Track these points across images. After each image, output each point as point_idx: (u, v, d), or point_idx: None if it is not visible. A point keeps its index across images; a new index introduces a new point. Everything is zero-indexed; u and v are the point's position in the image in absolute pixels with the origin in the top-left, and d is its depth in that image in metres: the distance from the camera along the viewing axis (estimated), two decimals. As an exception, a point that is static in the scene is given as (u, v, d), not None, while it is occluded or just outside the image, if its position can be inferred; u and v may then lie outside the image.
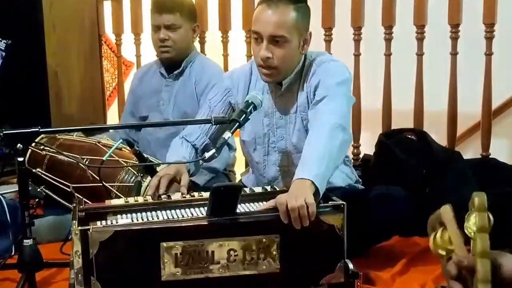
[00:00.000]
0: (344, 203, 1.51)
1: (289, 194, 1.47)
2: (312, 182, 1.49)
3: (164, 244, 1.41)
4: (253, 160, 1.97)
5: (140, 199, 1.66)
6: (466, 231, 0.86)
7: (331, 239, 1.48)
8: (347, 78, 1.81)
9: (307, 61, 1.84)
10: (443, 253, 0.90)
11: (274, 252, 1.45)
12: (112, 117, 3.42)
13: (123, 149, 2.16)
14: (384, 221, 1.83)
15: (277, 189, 1.72)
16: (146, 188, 1.99)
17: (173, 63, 2.45)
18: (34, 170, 2.21)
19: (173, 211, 1.57)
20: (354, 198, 1.75)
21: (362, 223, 1.72)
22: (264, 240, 1.44)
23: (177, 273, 1.42)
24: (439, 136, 2.60)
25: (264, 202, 1.56)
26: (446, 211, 0.90)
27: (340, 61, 1.87)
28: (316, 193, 1.50)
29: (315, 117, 1.72)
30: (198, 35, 2.53)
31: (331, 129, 1.63)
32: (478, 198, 0.83)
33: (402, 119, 2.65)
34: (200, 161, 1.85)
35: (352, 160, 2.73)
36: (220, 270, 1.43)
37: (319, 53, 1.90)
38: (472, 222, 0.83)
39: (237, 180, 2.36)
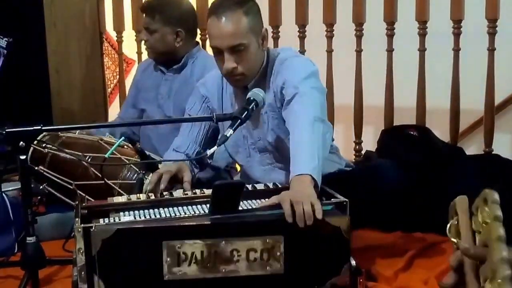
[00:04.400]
0: (347, 200, 1.50)
1: (293, 194, 1.45)
2: (311, 177, 1.50)
3: (166, 243, 1.39)
4: (238, 163, 1.99)
5: (143, 197, 1.66)
6: (474, 224, 0.85)
7: (336, 241, 1.44)
8: (313, 71, 1.80)
9: (270, 58, 1.84)
10: (456, 240, 0.90)
11: (278, 253, 1.41)
12: (114, 114, 3.42)
13: (125, 146, 2.16)
14: (373, 191, 1.82)
15: (279, 185, 1.72)
16: (148, 185, 1.99)
17: (163, 63, 2.44)
18: (36, 168, 2.21)
19: (175, 208, 1.56)
20: (344, 178, 1.77)
21: (354, 199, 1.69)
22: (268, 240, 1.41)
23: (179, 272, 1.41)
24: (442, 132, 2.59)
25: (267, 199, 1.56)
26: (460, 201, 0.89)
27: (302, 55, 1.88)
28: (315, 186, 1.50)
29: (292, 116, 1.71)
30: (181, 40, 2.39)
31: (310, 123, 1.63)
32: (491, 194, 0.83)
33: (404, 115, 2.65)
34: (202, 160, 1.85)
35: (354, 156, 2.73)
36: (223, 270, 1.41)
37: (281, 49, 1.91)
38: (485, 215, 0.83)
39: (238, 177, 2.37)
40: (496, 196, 0.82)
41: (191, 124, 1.94)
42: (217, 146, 1.59)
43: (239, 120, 1.63)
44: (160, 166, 1.99)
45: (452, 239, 0.89)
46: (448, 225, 0.90)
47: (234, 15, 1.72)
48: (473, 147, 3.00)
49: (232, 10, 1.72)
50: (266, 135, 1.87)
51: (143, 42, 2.51)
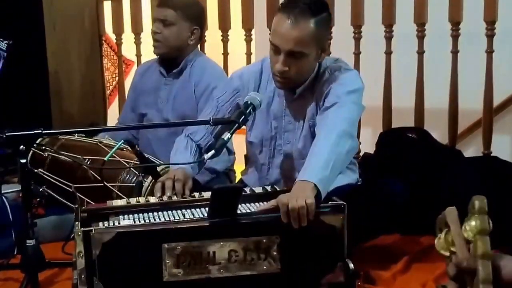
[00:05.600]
0: (344, 203, 1.51)
1: (291, 194, 1.47)
2: (315, 185, 1.50)
3: (166, 245, 1.41)
4: (258, 161, 1.98)
5: (142, 200, 1.67)
6: (465, 234, 0.87)
7: (331, 240, 1.48)
8: (359, 87, 1.80)
9: (322, 68, 1.83)
10: (447, 254, 0.91)
11: (275, 253, 1.45)
12: (113, 116, 3.42)
13: (124, 149, 2.17)
14: (381, 212, 1.83)
15: (278, 189, 1.72)
16: (147, 188, 2.00)
17: (168, 62, 2.44)
18: (35, 170, 2.22)
19: (174, 211, 1.57)
20: (352, 192, 1.76)
21: (360, 215, 1.71)
22: (264, 240, 1.44)
23: (179, 274, 1.42)
24: (440, 134, 2.60)
25: (265, 203, 1.57)
26: (451, 213, 0.90)
27: (354, 70, 1.87)
28: (317, 196, 1.50)
29: (324, 123, 1.71)
30: (196, 39, 2.43)
31: (339, 136, 1.63)
32: (479, 201, 0.84)
33: (403, 117, 2.65)
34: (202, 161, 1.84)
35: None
36: (221, 270, 1.44)
37: (334, 60, 1.89)
38: (473, 225, 0.84)
39: (237, 179, 2.37)
40: (484, 204, 0.83)
41: (213, 113, 1.89)
42: (215, 151, 1.59)
43: (236, 124, 1.63)
44: (159, 168, 2.00)
45: (443, 252, 0.90)
46: (436, 240, 0.91)
47: (304, 22, 1.67)
48: (472, 148, 3.00)
49: (305, 17, 1.67)
50: (297, 141, 1.87)
51: (151, 35, 2.41)
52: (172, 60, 2.43)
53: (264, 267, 1.45)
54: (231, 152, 2.44)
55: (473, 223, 0.83)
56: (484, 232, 0.82)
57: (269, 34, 1.78)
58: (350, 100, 1.73)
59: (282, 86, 1.80)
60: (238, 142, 2.10)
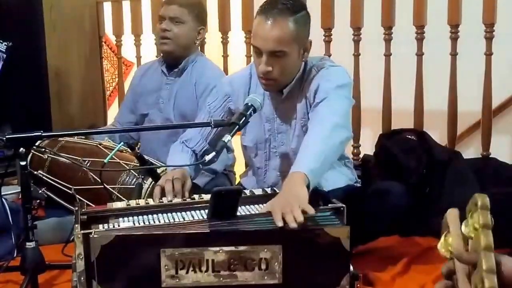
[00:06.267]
0: (344, 205, 1.51)
1: (283, 204, 1.42)
2: (306, 176, 1.50)
3: (165, 250, 1.39)
4: (254, 165, 1.99)
5: (142, 202, 1.67)
6: (467, 229, 0.86)
7: (336, 252, 1.40)
8: (347, 82, 1.82)
9: (308, 67, 1.84)
10: (447, 255, 0.91)
11: (276, 263, 1.39)
12: (112, 117, 3.42)
13: (124, 151, 2.17)
14: (381, 215, 1.83)
15: (277, 191, 1.72)
16: (147, 190, 2.00)
17: (173, 60, 2.45)
18: (35, 172, 2.22)
19: (174, 214, 1.56)
20: (352, 194, 1.76)
21: (360, 217, 1.71)
22: (266, 250, 1.39)
23: (177, 279, 1.40)
24: (439, 136, 2.60)
25: (265, 205, 1.57)
26: (451, 214, 0.90)
27: (341, 66, 1.87)
28: (307, 186, 1.50)
29: (315, 117, 1.73)
30: (201, 39, 2.50)
31: (330, 128, 1.64)
32: (481, 198, 0.83)
33: (402, 119, 2.66)
34: (200, 164, 1.85)
35: (352, 160, 2.74)
36: (220, 278, 1.40)
37: (319, 58, 1.90)
38: (476, 220, 0.83)
39: (237, 181, 2.37)
40: (486, 201, 0.83)
41: (206, 118, 1.91)
42: (216, 153, 1.60)
43: (237, 126, 1.64)
44: (159, 170, 2.00)
45: (444, 253, 0.90)
46: (440, 241, 0.91)
47: (283, 21, 1.69)
48: (471, 149, 3.01)
49: (283, 16, 1.70)
50: (290, 141, 1.88)
51: (158, 33, 2.44)
52: (176, 59, 2.44)
53: (265, 277, 1.39)
54: (229, 150, 2.45)
55: (475, 218, 0.83)
56: (487, 227, 0.82)
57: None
58: (339, 94, 1.75)
59: (268, 87, 1.81)
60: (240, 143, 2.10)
